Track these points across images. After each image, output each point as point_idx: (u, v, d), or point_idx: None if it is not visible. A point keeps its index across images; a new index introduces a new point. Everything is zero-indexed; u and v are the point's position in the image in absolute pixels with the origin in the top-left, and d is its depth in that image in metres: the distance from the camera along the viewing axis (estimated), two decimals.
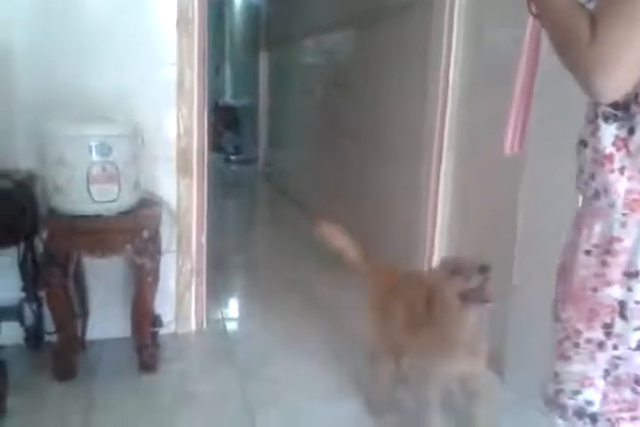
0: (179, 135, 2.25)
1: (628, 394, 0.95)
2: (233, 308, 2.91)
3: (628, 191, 0.88)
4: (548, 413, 1.05)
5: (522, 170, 1.90)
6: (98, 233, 1.93)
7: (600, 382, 0.96)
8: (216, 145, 6.66)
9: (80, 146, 1.84)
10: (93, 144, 1.84)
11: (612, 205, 0.90)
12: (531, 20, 1.04)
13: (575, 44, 0.80)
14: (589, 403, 0.97)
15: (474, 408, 1.64)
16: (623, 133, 0.88)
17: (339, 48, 3.95)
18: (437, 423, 1.63)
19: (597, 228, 0.93)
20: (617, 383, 0.95)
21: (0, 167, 1.98)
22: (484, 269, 1.43)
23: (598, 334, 0.94)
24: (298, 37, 4.89)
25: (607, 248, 0.91)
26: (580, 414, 0.98)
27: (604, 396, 0.96)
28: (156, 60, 2.18)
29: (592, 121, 0.93)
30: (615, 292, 0.91)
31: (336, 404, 1.91)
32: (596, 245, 0.93)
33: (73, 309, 1.99)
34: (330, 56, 4.15)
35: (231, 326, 2.59)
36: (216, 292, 2.70)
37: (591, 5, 0.83)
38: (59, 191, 1.88)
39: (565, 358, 0.99)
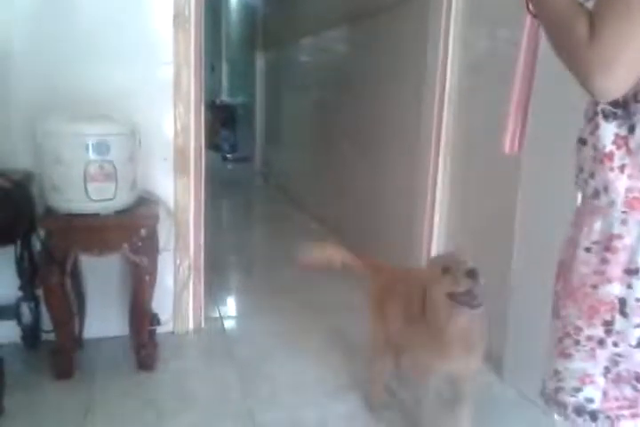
0: (176, 134, 2.24)
1: (628, 391, 0.95)
2: (231, 306, 2.91)
3: (629, 189, 0.88)
4: (547, 410, 1.06)
5: (520, 169, 1.90)
6: (95, 232, 1.92)
7: (600, 380, 0.96)
8: (213, 143, 6.66)
9: (77, 144, 1.84)
10: (90, 143, 1.84)
11: (612, 204, 0.90)
12: (528, 19, 1.04)
13: (574, 43, 0.80)
14: (589, 400, 0.97)
15: (458, 408, 1.64)
16: (623, 132, 0.88)
17: (335, 46, 3.95)
18: (430, 420, 1.63)
19: (597, 225, 0.93)
20: (617, 381, 0.95)
21: None
22: (471, 273, 1.39)
23: (599, 332, 0.94)
24: (294, 36, 4.88)
25: (607, 245, 0.91)
26: (579, 411, 0.98)
27: (605, 393, 0.96)
28: (153, 58, 2.17)
29: (591, 119, 0.93)
30: (615, 289, 0.91)
31: (335, 401, 1.91)
32: (596, 242, 0.93)
33: (70, 307, 1.98)
34: (326, 54, 4.15)
35: (229, 325, 2.59)
36: (214, 290, 2.69)
37: (590, 4, 0.83)
38: (56, 190, 1.87)
39: (565, 355, 0.99)
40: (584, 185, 0.95)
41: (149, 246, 2.02)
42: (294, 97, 5.06)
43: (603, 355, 0.95)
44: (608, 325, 0.93)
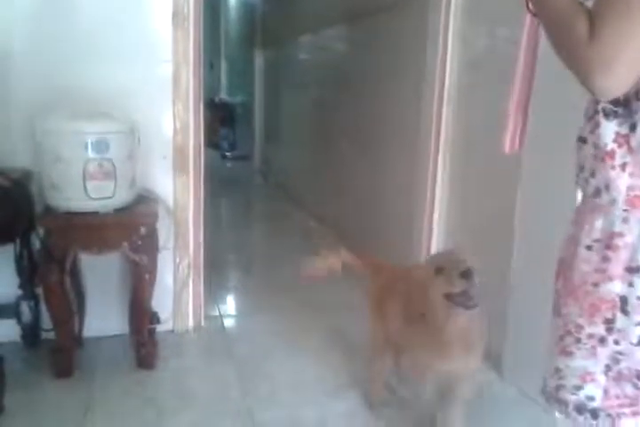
0: (175, 132, 2.24)
1: (629, 389, 0.95)
2: (230, 305, 2.91)
3: (630, 188, 0.88)
4: (548, 409, 1.06)
5: (519, 167, 1.90)
6: (94, 230, 1.92)
7: (601, 378, 0.96)
8: (212, 142, 6.65)
9: (76, 143, 1.83)
10: (90, 141, 1.83)
11: (613, 202, 0.90)
12: (528, 18, 1.04)
13: (574, 42, 0.79)
14: (590, 398, 0.97)
15: (452, 407, 1.64)
16: (624, 130, 0.88)
17: (334, 44, 3.94)
18: (429, 419, 1.64)
19: (598, 223, 0.93)
20: (618, 379, 0.95)
21: None
22: (465, 274, 1.38)
23: (600, 330, 0.94)
24: (293, 34, 4.87)
25: (608, 243, 0.91)
26: (580, 409, 0.99)
27: (606, 391, 0.96)
28: (152, 57, 2.17)
29: (592, 118, 0.92)
30: (616, 287, 0.91)
31: (334, 399, 1.91)
32: (597, 240, 0.93)
33: (70, 306, 1.98)
34: (325, 53, 4.14)
35: (229, 323, 2.59)
36: (213, 289, 2.69)
37: (590, 3, 0.83)
38: (55, 188, 1.87)
39: (566, 353, 0.99)
40: (585, 184, 0.95)
41: (149, 245, 2.02)
42: (293, 95, 5.06)
43: (604, 353, 0.95)
44: (609, 323, 0.93)
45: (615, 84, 0.80)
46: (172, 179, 2.27)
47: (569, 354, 0.99)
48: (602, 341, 0.94)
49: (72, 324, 2.02)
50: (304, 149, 4.77)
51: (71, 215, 1.88)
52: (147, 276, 1.99)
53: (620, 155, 0.88)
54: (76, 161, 1.83)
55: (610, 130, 0.89)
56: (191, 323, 2.40)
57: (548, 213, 1.77)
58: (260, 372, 2.08)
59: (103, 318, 2.25)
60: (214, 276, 2.74)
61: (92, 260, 2.10)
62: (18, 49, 2.04)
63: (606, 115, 0.89)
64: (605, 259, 0.92)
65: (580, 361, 0.97)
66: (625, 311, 0.91)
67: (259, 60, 6.25)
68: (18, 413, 1.75)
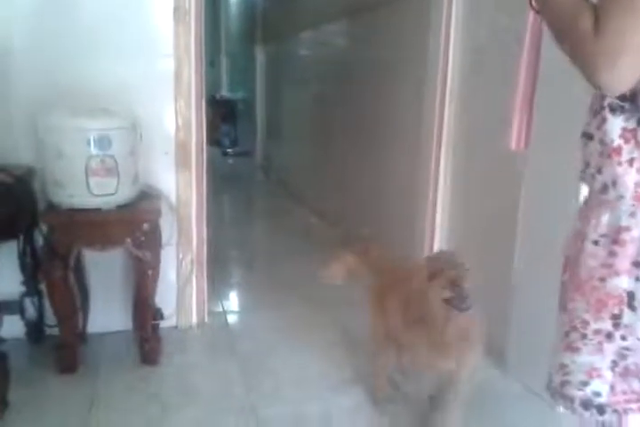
0: (177, 128, 2.23)
1: (636, 385, 0.95)
2: (234, 301, 2.91)
3: (638, 184, 0.88)
4: (553, 404, 1.05)
5: (521, 166, 1.89)
6: (97, 226, 1.92)
7: (608, 374, 0.96)
8: (213, 138, 6.64)
9: (79, 139, 1.83)
10: (92, 137, 1.83)
11: (620, 198, 0.90)
12: (531, 15, 1.04)
13: (579, 37, 0.79)
14: (597, 394, 0.97)
15: (450, 405, 1.64)
16: (631, 125, 0.88)
17: (335, 40, 3.93)
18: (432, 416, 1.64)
19: (605, 218, 0.92)
20: (625, 374, 0.95)
21: None
22: (455, 281, 1.43)
23: (606, 325, 0.94)
24: (294, 30, 4.85)
25: (615, 238, 0.91)
26: (586, 405, 0.98)
27: (612, 387, 0.96)
28: (153, 52, 2.16)
29: (597, 113, 0.92)
30: (623, 282, 0.91)
31: (338, 395, 1.91)
32: (603, 235, 0.92)
33: (74, 302, 1.98)
34: (327, 48, 4.13)
35: (232, 319, 2.59)
36: (216, 284, 2.69)
37: None
38: (58, 185, 1.87)
39: (572, 349, 0.99)
40: (591, 180, 0.95)
41: (152, 241, 2.02)
42: (295, 91, 5.04)
43: (610, 349, 0.94)
44: (616, 318, 0.93)
45: (621, 79, 0.79)
46: (175, 175, 2.27)
47: (575, 350, 0.98)
48: (608, 336, 0.94)
49: (76, 320, 2.02)
50: (305, 145, 4.76)
51: (74, 212, 1.88)
52: (150, 272, 1.99)
53: (627, 150, 0.88)
54: (79, 157, 1.83)
55: (616, 126, 0.89)
56: (195, 319, 2.40)
57: (551, 211, 1.76)
58: (263, 368, 2.08)
59: (107, 314, 2.25)
60: (217, 272, 2.74)
61: (96, 256, 2.10)
62: (19, 45, 2.03)
63: (613, 110, 0.89)
64: (612, 254, 0.91)
65: (586, 357, 0.97)
66: (632, 307, 0.91)
67: (260, 57, 6.24)
68: (23, 408, 1.75)
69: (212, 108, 6.12)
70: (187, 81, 2.20)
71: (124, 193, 1.93)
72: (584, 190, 1.02)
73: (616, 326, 0.93)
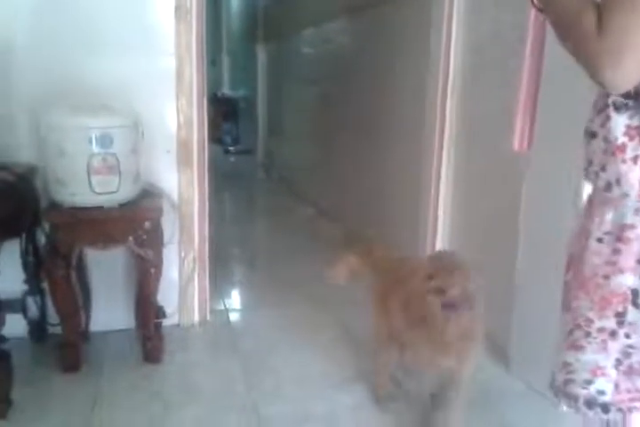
0: (179, 126, 2.23)
1: None
2: (236, 299, 2.91)
3: None
4: (556, 403, 1.05)
5: (524, 164, 1.89)
6: (99, 225, 1.92)
7: (612, 372, 0.96)
8: (215, 136, 6.64)
9: (80, 137, 1.83)
10: (94, 135, 1.83)
11: (624, 196, 0.89)
12: (533, 14, 1.03)
13: (582, 36, 0.79)
14: (601, 393, 0.97)
15: (452, 404, 1.64)
16: (636, 122, 0.88)
17: (337, 38, 3.92)
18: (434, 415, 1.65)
19: (609, 216, 0.92)
20: (629, 373, 0.95)
21: (0, 160, 1.96)
22: (449, 287, 1.43)
23: (610, 323, 0.93)
24: (296, 28, 4.85)
25: (619, 235, 0.91)
26: (591, 403, 0.98)
27: (616, 385, 0.96)
28: (155, 50, 2.16)
29: (601, 111, 0.92)
30: (627, 280, 0.90)
31: (340, 393, 1.91)
32: (608, 233, 0.92)
33: (76, 300, 1.98)
34: (328, 46, 4.12)
35: (234, 317, 2.59)
36: (219, 283, 2.69)
37: None
38: (59, 183, 1.87)
39: (576, 347, 0.98)
40: (595, 177, 0.94)
41: (154, 239, 2.01)
42: (296, 89, 5.04)
43: (614, 347, 0.94)
44: (620, 316, 0.92)
45: (625, 76, 0.79)
46: (177, 173, 2.27)
47: (579, 348, 0.98)
48: (613, 334, 0.94)
49: (78, 318, 2.02)
50: (307, 143, 4.75)
51: (76, 210, 1.87)
52: (152, 270, 1.99)
53: (632, 148, 0.88)
54: (81, 156, 1.83)
55: (620, 123, 0.88)
56: (197, 317, 2.40)
57: (554, 210, 1.76)
58: (265, 366, 2.08)
59: (109, 312, 2.25)
60: (219, 270, 2.74)
61: (98, 254, 2.10)
62: (20, 43, 2.03)
63: (617, 108, 0.89)
64: (616, 251, 0.91)
65: (590, 355, 0.97)
66: (636, 304, 0.91)
67: (261, 55, 6.23)
68: (26, 407, 1.75)
69: (214, 106, 6.12)
70: (188, 79, 2.20)
71: (126, 191, 1.93)
72: (587, 188, 1.02)
73: (620, 323, 0.93)
